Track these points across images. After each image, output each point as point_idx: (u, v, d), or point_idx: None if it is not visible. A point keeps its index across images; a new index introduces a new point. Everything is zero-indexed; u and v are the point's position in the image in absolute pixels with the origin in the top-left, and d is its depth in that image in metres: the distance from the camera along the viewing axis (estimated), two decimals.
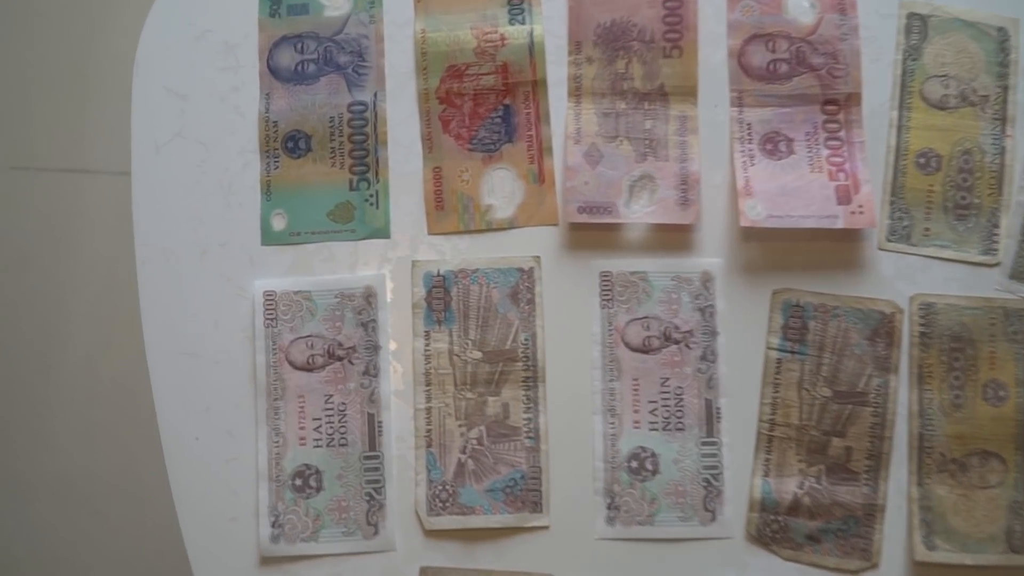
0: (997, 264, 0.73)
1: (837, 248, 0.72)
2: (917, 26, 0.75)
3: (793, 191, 0.71)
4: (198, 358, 0.72)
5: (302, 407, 0.71)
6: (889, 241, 0.73)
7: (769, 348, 0.71)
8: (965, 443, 0.71)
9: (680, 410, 0.71)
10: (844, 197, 0.71)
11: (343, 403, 0.71)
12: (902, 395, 0.71)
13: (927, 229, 0.73)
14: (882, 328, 0.71)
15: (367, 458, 0.71)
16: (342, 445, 0.71)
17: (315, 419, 0.71)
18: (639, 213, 0.72)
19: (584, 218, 0.72)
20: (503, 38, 0.74)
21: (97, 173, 1.34)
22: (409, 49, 0.75)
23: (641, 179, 0.73)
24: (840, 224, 0.71)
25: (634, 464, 0.71)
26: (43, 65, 1.33)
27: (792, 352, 0.71)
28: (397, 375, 0.72)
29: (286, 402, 0.71)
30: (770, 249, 0.72)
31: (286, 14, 0.75)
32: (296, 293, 0.72)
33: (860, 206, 0.71)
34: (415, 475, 0.71)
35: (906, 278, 0.72)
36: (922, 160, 0.73)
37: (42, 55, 1.36)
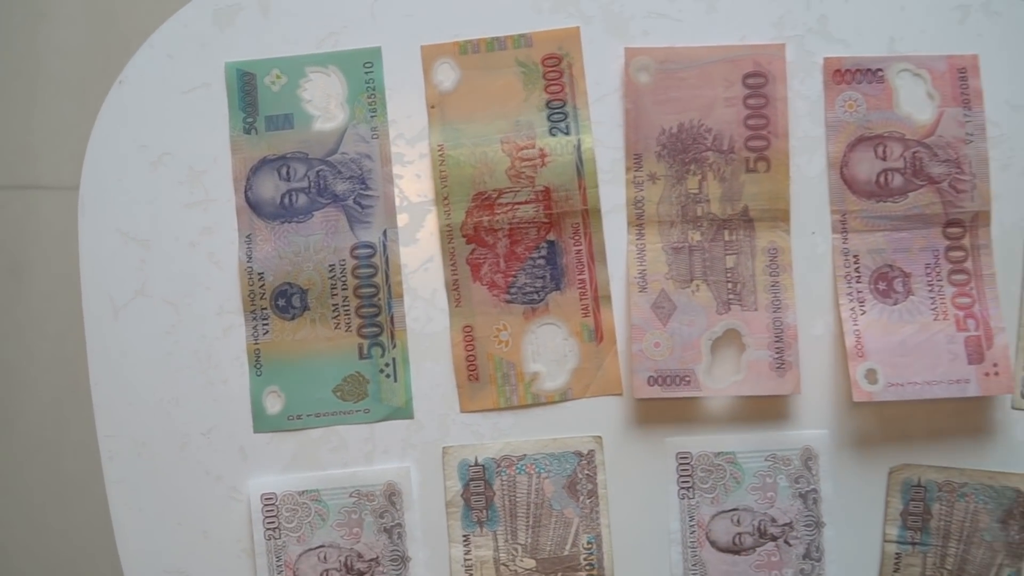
0: None
1: (963, 410, 0.62)
2: None
3: (915, 349, 0.59)
4: None
5: None
6: None
7: (887, 540, 0.61)
8: None
9: None
10: (976, 354, 0.60)
11: None
12: None
13: None
14: (1016, 509, 0.61)
15: None
16: None
17: None
18: (725, 383, 0.60)
19: (656, 392, 0.60)
20: (543, 154, 0.60)
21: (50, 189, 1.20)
22: (425, 171, 0.61)
23: (724, 335, 0.60)
24: (973, 391, 0.59)
25: None
26: None
27: (913, 543, 0.61)
28: None
29: None
30: (884, 415, 0.62)
31: (265, 129, 0.61)
32: (301, 494, 0.60)
33: (995, 364, 0.60)
34: None
35: None
36: None
37: None
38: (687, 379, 0.61)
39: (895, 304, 0.62)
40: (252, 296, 0.62)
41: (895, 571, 0.62)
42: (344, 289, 0.62)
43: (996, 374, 0.61)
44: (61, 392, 1.07)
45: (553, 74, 0.63)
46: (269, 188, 0.62)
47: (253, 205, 0.62)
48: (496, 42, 0.63)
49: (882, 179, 0.62)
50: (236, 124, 0.63)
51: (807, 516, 0.62)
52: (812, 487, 0.62)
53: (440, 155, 0.62)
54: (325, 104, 0.63)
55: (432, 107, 0.63)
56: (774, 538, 0.62)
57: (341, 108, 0.63)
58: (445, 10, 0.63)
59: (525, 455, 0.62)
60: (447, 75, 0.63)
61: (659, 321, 0.61)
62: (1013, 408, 0.63)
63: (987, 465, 0.63)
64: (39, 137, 1.16)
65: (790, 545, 0.62)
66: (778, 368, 0.61)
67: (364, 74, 0.63)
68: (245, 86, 0.63)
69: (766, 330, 0.61)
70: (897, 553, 0.62)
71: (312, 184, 0.62)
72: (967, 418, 0.62)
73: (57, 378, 1.10)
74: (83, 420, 0.63)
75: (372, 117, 0.62)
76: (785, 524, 0.62)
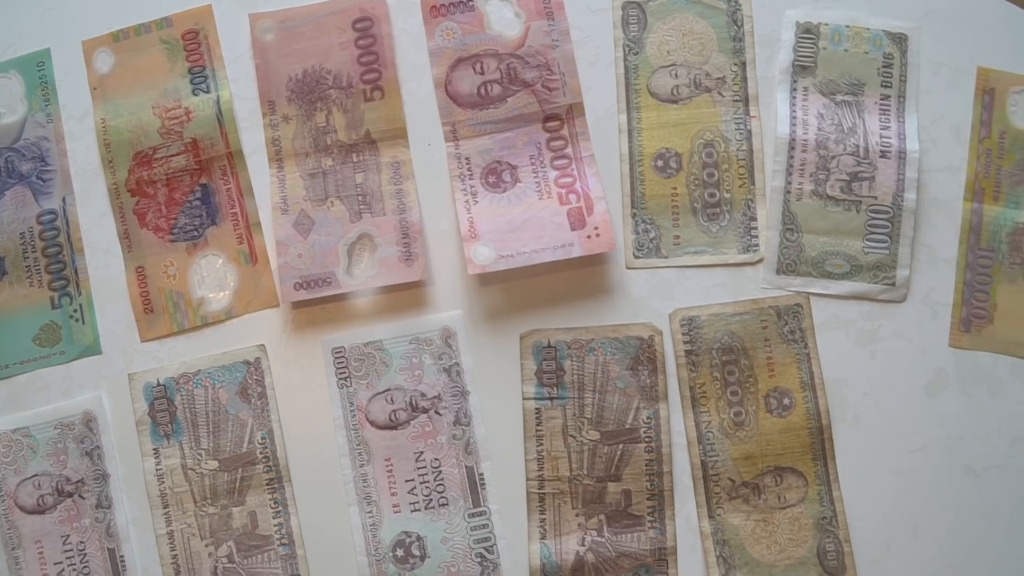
0: (760, 261, 0.72)
1: (583, 276, 0.72)
2: (634, 16, 0.74)
3: (522, 225, 0.71)
4: None
5: (40, 553, 0.71)
6: (637, 258, 0.72)
7: (525, 398, 0.71)
8: (755, 463, 0.70)
9: (441, 484, 0.70)
10: (578, 221, 0.70)
11: (81, 542, 0.71)
12: (676, 423, 0.71)
13: (677, 237, 0.72)
14: (642, 354, 0.71)
15: None
16: None
17: (56, 563, 0.71)
18: (361, 279, 0.71)
19: (303, 295, 0.71)
20: (188, 112, 0.73)
21: None
22: (92, 143, 0.75)
23: (359, 240, 0.72)
24: (577, 252, 0.70)
25: (399, 552, 0.70)
26: None
27: (551, 398, 0.71)
28: (132, 502, 0.71)
29: (24, 551, 0.72)
30: (511, 290, 0.72)
31: None
32: (14, 432, 0.72)
33: (596, 228, 0.70)
34: None
35: (662, 294, 0.72)
36: (659, 162, 0.73)
37: None
38: (328, 280, 0.73)
39: (504, 192, 0.74)
40: None
41: (538, 424, 0.72)
42: (34, 252, 0.75)
43: (597, 235, 0.72)
44: None
45: (192, 45, 0.77)
46: None
47: None
48: (143, 27, 0.77)
49: (482, 90, 0.75)
50: None
51: (453, 387, 0.73)
52: (454, 361, 0.73)
53: (103, 127, 0.76)
54: (9, 102, 0.77)
55: (94, 89, 0.77)
56: (425, 410, 0.73)
57: (21, 103, 0.77)
58: (101, 10, 0.77)
59: (200, 370, 0.73)
60: (104, 61, 0.77)
61: (300, 236, 0.74)
62: (628, 268, 0.74)
63: (611, 320, 0.73)
64: None
65: (440, 415, 0.72)
66: (406, 260, 0.73)
67: (37, 72, 0.77)
68: None
69: (394, 230, 0.73)
70: (537, 408, 0.72)
71: (2, 169, 0.76)
72: (588, 282, 0.73)
73: None
74: None
75: (47, 105, 0.76)
76: (434, 397, 0.73)
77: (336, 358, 0.73)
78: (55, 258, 0.75)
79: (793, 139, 0.73)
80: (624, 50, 0.75)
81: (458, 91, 0.75)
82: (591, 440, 0.71)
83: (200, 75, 0.76)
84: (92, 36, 0.77)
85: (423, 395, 0.72)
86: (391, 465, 0.72)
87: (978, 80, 0.75)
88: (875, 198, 0.72)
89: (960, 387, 0.72)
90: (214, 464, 0.72)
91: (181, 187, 0.75)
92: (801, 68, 0.74)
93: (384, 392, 0.72)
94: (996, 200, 0.74)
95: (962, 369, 0.72)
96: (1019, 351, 0.72)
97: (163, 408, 0.73)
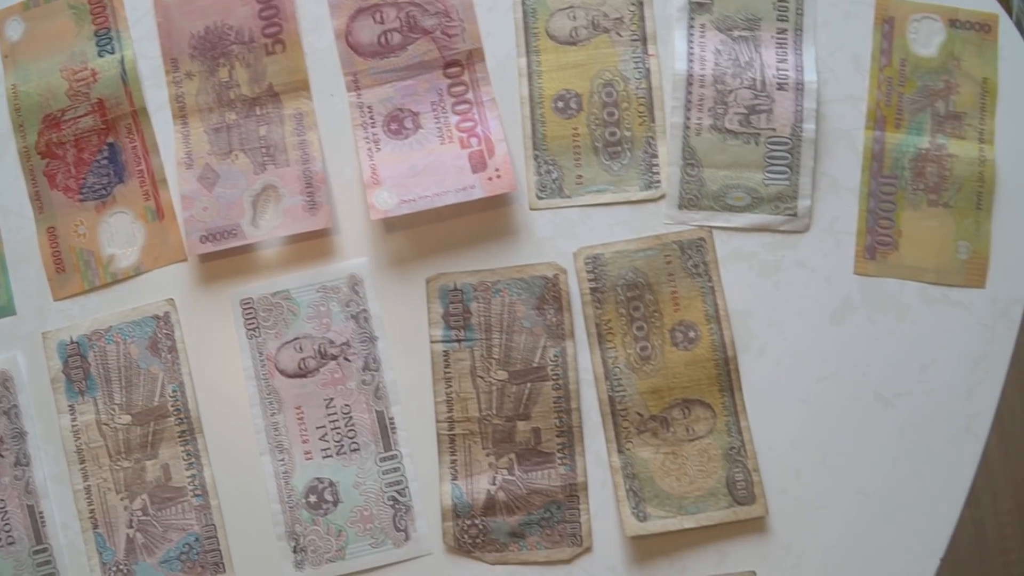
0: (662, 197, 0.73)
1: (487, 219, 0.73)
2: None
3: (424, 170, 0.72)
4: None
5: None
6: (540, 199, 0.73)
7: (433, 342, 0.72)
8: (662, 396, 0.71)
9: (352, 429, 0.71)
10: (479, 164, 0.71)
11: (1, 500, 0.72)
12: (583, 360, 0.71)
13: (579, 176, 0.73)
14: (548, 293, 0.71)
15: (36, 553, 0.72)
16: (9, 544, 0.72)
17: None
18: (266, 229, 0.72)
19: (209, 247, 0.72)
20: (94, 73, 0.75)
21: None
22: (4, 109, 0.76)
23: (263, 191, 0.73)
24: (479, 194, 0.71)
25: (312, 498, 0.71)
26: None
27: (458, 340, 0.71)
28: (50, 458, 0.72)
29: None
30: (417, 236, 0.73)
31: None
32: None
33: (497, 169, 0.71)
34: (88, 561, 0.72)
35: (566, 234, 0.72)
36: (560, 104, 0.74)
37: None
38: (234, 232, 0.74)
39: (406, 139, 0.75)
40: None
41: (446, 367, 0.73)
42: None
43: (499, 177, 0.73)
44: None
45: (98, 8, 0.78)
46: None
47: None
48: None
49: (383, 39, 0.76)
50: None
51: (361, 333, 0.73)
52: (362, 308, 0.74)
53: (14, 92, 0.77)
54: None
55: (5, 56, 0.78)
56: (334, 357, 0.73)
57: None
58: None
59: (111, 327, 0.74)
60: (15, 29, 0.78)
61: (205, 190, 0.75)
62: (531, 209, 0.74)
63: (516, 261, 0.74)
64: None
65: (349, 361, 0.73)
66: (311, 209, 0.74)
67: None
68: None
69: (297, 180, 0.74)
70: (445, 351, 0.73)
71: None
72: (492, 225, 0.74)
73: None
74: None
75: None
76: (343, 344, 0.73)
77: (244, 309, 0.74)
78: None
79: (691, 75, 0.73)
80: None
81: (359, 41, 0.76)
82: (499, 380, 0.72)
83: (105, 36, 0.77)
84: (3, 6, 0.78)
85: (331, 342, 0.73)
86: (302, 413, 0.73)
87: (877, 10, 0.76)
88: (773, 130, 0.73)
89: (867, 314, 0.72)
90: (127, 418, 0.73)
91: (89, 147, 0.76)
92: (698, 5, 0.75)
93: (293, 341, 0.73)
94: (898, 127, 0.74)
95: (868, 296, 0.73)
96: (925, 276, 0.73)
97: (77, 365, 0.74)
